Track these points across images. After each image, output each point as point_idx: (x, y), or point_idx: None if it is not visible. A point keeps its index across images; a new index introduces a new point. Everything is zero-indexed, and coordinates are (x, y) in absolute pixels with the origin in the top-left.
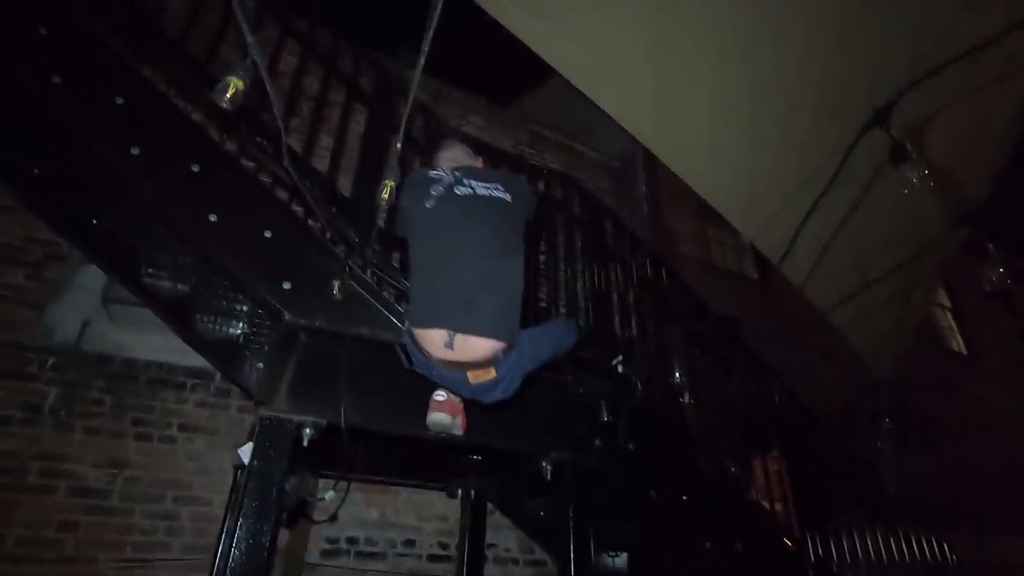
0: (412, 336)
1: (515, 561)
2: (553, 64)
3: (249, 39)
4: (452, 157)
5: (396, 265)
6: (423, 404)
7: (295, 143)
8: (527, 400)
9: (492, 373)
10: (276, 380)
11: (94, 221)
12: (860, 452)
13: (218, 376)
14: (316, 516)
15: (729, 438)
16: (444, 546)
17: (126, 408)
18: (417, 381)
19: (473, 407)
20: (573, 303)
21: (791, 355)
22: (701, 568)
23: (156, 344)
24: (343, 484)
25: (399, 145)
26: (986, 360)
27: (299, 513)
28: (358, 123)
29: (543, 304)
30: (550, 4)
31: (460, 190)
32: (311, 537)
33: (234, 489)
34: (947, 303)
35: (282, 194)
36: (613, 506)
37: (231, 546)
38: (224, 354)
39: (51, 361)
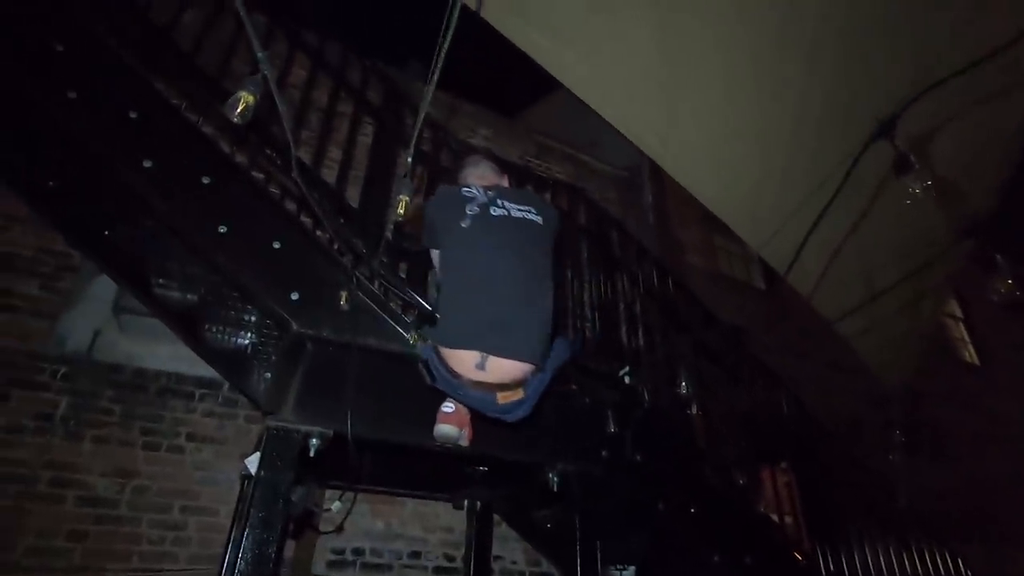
0: (439, 354)
1: (521, 573)
2: (560, 79)
3: (259, 54)
4: (480, 175)
5: (403, 276)
6: (430, 415)
7: (304, 155)
8: (534, 411)
9: (521, 394)
10: (283, 390)
11: (106, 232)
12: (871, 464)
13: (226, 386)
14: (322, 527)
15: (737, 449)
16: (450, 558)
17: (135, 418)
18: (424, 392)
19: (479, 418)
20: (580, 313)
21: (799, 365)
22: None
23: (165, 354)
24: (349, 495)
25: (409, 160)
26: (998, 371)
27: (305, 524)
28: (366, 135)
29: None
30: (558, 20)
31: (495, 211)
32: (317, 548)
33: (241, 499)
34: (959, 314)
35: (291, 205)
36: (620, 518)
37: (237, 557)
38: (232, 364)
39: (62, 371)
